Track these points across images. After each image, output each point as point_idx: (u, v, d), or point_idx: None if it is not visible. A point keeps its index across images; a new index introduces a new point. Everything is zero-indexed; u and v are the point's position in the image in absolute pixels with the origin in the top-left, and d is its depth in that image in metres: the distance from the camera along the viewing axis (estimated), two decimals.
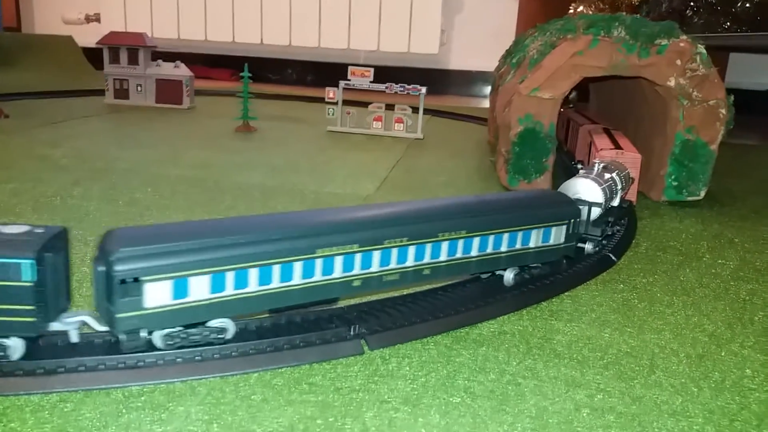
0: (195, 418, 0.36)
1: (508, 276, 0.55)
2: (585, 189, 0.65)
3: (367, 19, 2.50)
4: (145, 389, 0.39)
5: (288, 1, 2.52)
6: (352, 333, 0.46)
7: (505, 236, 0.52)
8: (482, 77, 2.71)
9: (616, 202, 0.72)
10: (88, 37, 2.66)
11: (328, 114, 1.48)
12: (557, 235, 0.55)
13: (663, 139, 0.94)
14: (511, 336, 0.49)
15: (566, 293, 0.57)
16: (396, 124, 1.48)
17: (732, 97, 0.91)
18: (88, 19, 2.74)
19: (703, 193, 0.93)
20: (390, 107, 1.50)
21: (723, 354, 0.48)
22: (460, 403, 0.40)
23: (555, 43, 0.90)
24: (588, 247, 0.64)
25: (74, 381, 0.38)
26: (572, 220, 0.56)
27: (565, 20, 1.02)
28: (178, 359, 0.40)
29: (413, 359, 0.44)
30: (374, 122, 1.49)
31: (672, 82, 0.89)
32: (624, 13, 1.02)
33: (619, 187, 0.72)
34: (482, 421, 0.38)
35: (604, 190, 0.66)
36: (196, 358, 0.41)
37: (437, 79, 2.70)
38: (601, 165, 0.71)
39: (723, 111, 0.90)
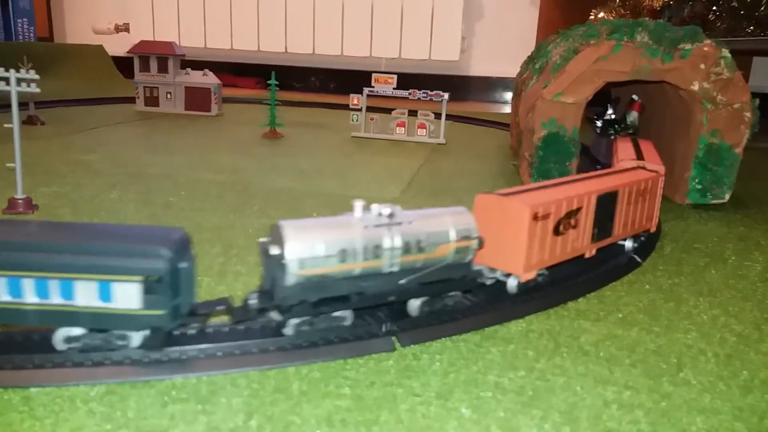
0: (236, 409, 0.38)
1: None
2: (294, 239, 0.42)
3: (389, 27, 2.52)
4: (188, 381, 0.40)
5: (311, 10, 2.55)
6: (383, 330, 0.47)
7: (53, 283, 0.39)
8: (503, 83, 2.72)
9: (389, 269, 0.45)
10: (117, 46, 2.72)
11: (352, 120, 1.50)
12: (126, 295, 0.40)
13: (686, 142, 0.94)
14: (539, 334, 0.50)
15: (592, 293, 0.58)
16: (419, 130, 1.49)
17: (757, 101, 0.91)
18: (118, 29, 2.80)
19: (727, 196, 0.93)
20: (413, 113, 1.52)
21: (752, 354, 0.49)
22: (491, 397, 0.41)
23: (578, 49, 0.91)
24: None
25: (121, 373, 0.40)
26: (152, 278, 0.40)
27: (587, 26, 1.03)
28: (219, 353, 0.42)
29: (443, 356, 0.46)
30: (397, 128, 1.50)
31: (696, 86, 0.89)
32: (647, 19, 1.03)
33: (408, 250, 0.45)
34: (513, 415, 0.39)
35: (342, 250, 0.43)
36: (236, 352, 0.43)
37: (458, 86, 2.71)
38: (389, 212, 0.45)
39: (748, 114, 0.90)
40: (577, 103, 0.91)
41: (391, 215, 0.46)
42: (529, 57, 1.39)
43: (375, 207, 0.46)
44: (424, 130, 1.49)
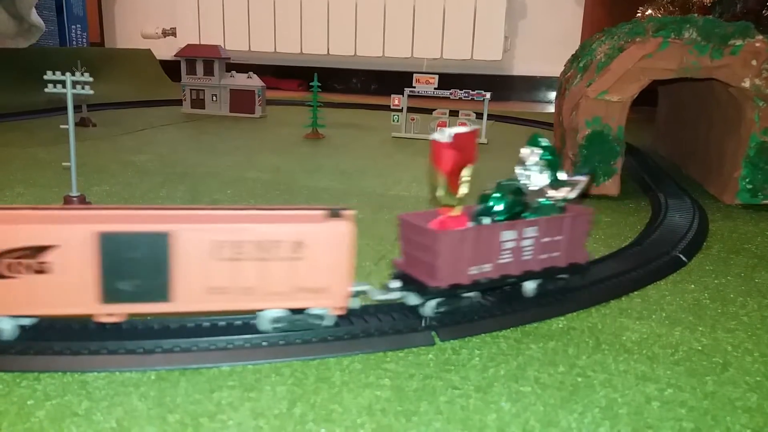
0: (281, 396, 0.39)
1: None
2: None
3: (431, 27, 2.52)
4: (234, 369, 0.42)
5: (353, 12, 2.58)
6: (423, 324, 0.48)
7: None
8: (546, 82, 2.69)
9: None
10: (165, 50, 2.80)
11: (393, 120, 1.51)
12: None
13: (737, 140, 0.92)
14: (580, 332, 0.50)
15: (635, 292, 0.58)
16: None
17: None
18: (165, 34, 2.89)
19: None
20: (454, 113, 1.51)
21: None
22: (531, 392, 0.41)
23: (623, 47, 0.90)
24: None
25: (171, 360, 0.42)
26: None
27: (633, 23, 1.01)
28: (264, 343, 0.44)
29: (483, 351, 0.46)
30: (438, 128, 1.50)
31: (747, 83, 0.87)
32: (695, 15, 1.01)
33: None
34: (552, 410, 0.39)
35: None
36: (280, 342, 0.44)
37: (500, 85, 2.70)
38: None
39: None
40: (622, 102, 0.90)
41: None
42: (573, 55, 1.37)
43: None
44: None
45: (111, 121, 1.57)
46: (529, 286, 0.53)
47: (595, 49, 1.03)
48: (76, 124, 1.47)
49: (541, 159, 0.51)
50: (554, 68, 1.71)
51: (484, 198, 0.50)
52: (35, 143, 1.23)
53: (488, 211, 0.49)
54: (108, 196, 0.85)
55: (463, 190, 0.48)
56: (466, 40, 2.51)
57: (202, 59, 1.76)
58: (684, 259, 0.66)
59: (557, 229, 0.51)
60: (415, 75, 1.49)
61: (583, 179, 0.52)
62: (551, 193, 0.51)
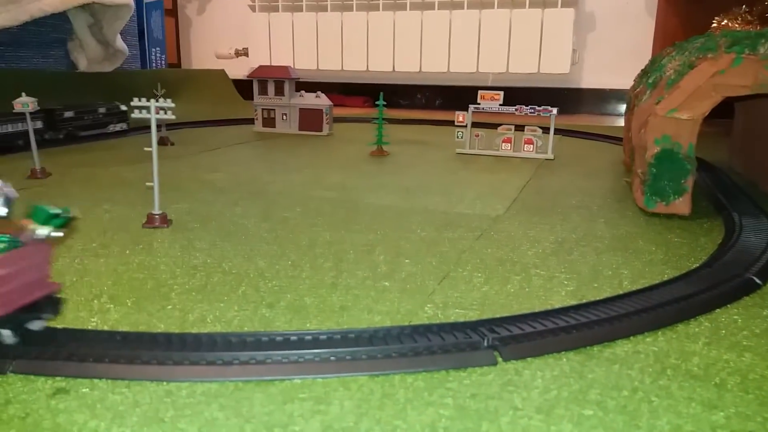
0: (348, 410, 0.41)
1: None
2: None
3: (497, 42, 2.52)
4: (305, 382, 0.44)
5: (419, 29, 2.61)
6: (486, 344, 0.49)
7: None
8: (616, 95, 2.63)
9: None
10: (237, 69, 2.92)
11: (457, 137, 1.52)
12: None
13: None
14: (645, 356, 0.49)
15: (704, 316, 0.57)
16: (526, 145, 1.49)
17: None
18: (238, 54, 3.01)
19: None
20: (519, 128, 1.51)
21: None
22: (593, 415, 0.41)
23: (694, 63, 0.88)
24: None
25: (247, 372, 0.45)
26: None
27: (705, 38, 0.99)
28: (332, 358, 0.46)
29: (545, 372, 0.47)
30: (503, 144, 1.51)
31: None
32: None
33: None
34: None
35: None
36: (347, 357, 0.46)
37: (568, 98, 2.66)
38: None
39: None
40: (693, 119, 0.88)
41: None
42: (642, 70, 1.35)
43: None
44: (531, 145, 1.48)
45: (188, 140, 1.66)
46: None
47: (665, 65, 1.01)
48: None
49: None
50: (625, 81, 1.68)
51: None
52: (118, 162, 1.32)
53: None
54: (187, 213, 0.91)
55: None
56: (532, 54, 2.50)
57: (274, 80, 1.83)
58: (758, 281, 0.64)
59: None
60: (480, 92, 1.50)
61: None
62: None
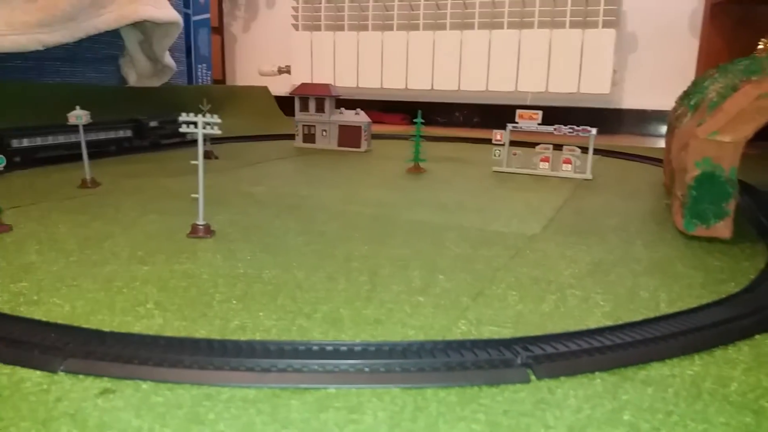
0: (381, 421, 0.42)
1: None
2: None
3: (536, 61, 2.53)
4: (340, 391, 0.45)
5: (458, 48, 2.63)
6: (519, 361, 0.49)
7: None
8: (657, 116, 2.60)
9: None
10: (280, 86, 2.98)
11: (495, 155, 1.53)
12: None
13: None
14: (680, 379, 0.49)
15: (743, 341, 0.56)
16: (564, 165, 1.48)
17: None
18: (280, 71, 3.08)
19: None
20: (558, 147, 1.51)
21: None
22: None
23: (737, 86, 0.87)
24: None
25: (284, 379, 0.46)
26: None
27: (750, 60, 0.98)
28: (366, 369, 0.47)
29: (578, 392, 0.47)
30: (541, 163, 1.50)
31: None
32: None
33: None
34: None
35: None
36: (381, 369, 0.47)
37: (608, 119, 2.64)
38: None
39: None
40: (735, 142, 0.87)
41: None
42: (684, 92, 1.34)
43: None
44: (570, 165, 1.48)
45: (231, 154, 1.70)
46: None
47: (708, 87, 1.00)
48: None
49: None
50: (667, 102, 1.67)
51: None
52: (164, 174, 1.36)
53: None
54: (229, 225, 0.93)
55: None
56: (572, 74, 2.49)
57: (315, 97, 1.87)
58: None
59: None
60: (518, 111, 1.50)
61: None
62: None
